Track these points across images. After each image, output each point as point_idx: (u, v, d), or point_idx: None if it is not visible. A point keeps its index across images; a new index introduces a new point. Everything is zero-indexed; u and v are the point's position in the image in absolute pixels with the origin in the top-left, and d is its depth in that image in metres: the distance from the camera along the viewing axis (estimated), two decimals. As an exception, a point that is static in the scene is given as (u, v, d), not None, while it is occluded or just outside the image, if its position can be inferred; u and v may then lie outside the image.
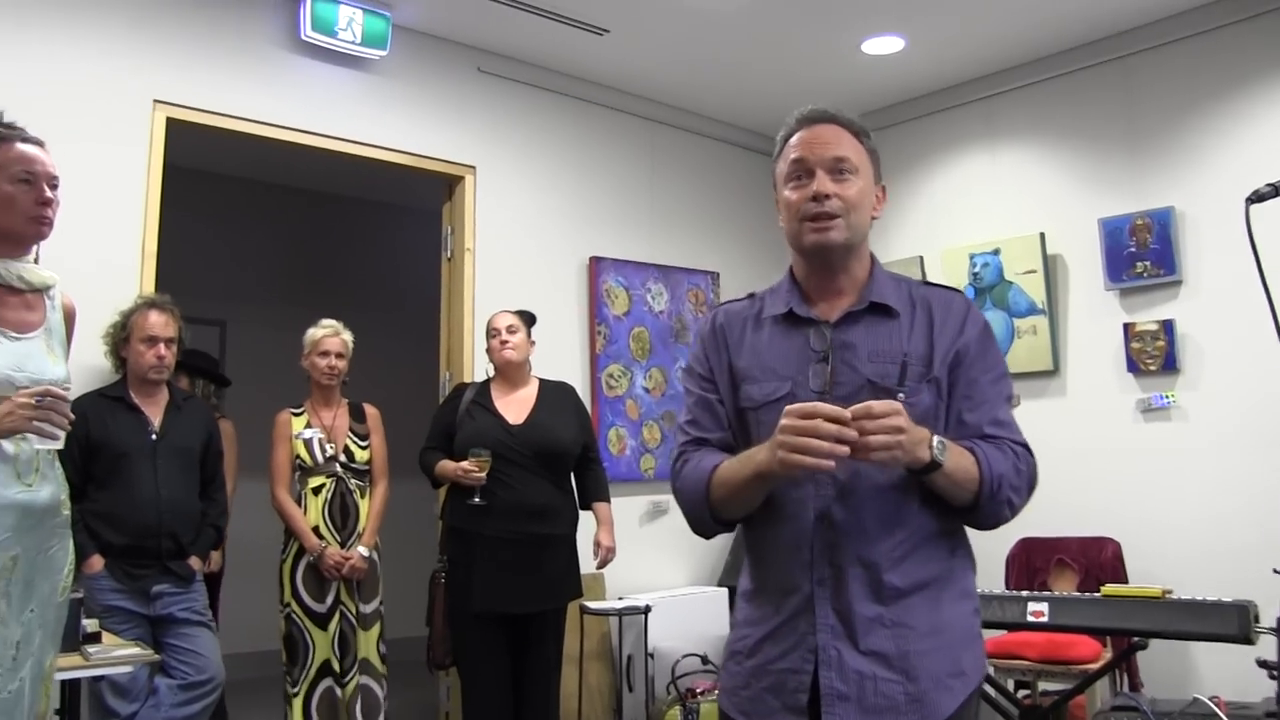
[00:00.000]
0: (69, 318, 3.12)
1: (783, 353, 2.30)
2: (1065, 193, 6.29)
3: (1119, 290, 5.94)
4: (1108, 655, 4.99)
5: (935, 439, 2.04)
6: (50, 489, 2.91)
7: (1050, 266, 6.24)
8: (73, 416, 2.81)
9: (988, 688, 4.59)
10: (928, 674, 2.09)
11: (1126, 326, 5.85)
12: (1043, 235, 6.25)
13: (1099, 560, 5.51)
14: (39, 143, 2.97)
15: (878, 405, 1.96)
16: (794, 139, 2.33)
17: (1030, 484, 2.21)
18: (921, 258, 6.84)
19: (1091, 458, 5.85)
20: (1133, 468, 5.80)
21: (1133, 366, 5.84)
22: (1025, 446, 2.22)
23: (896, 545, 2.14)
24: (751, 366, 2.34)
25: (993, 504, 2.13)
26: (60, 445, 2.81)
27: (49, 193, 2.94)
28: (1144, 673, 5.32)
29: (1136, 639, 4.10)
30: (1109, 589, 4.22)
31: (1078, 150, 6.28)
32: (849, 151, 2.27)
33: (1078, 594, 4.38)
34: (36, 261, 3.03)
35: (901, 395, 2.12)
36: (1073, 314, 6.21)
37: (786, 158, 2.33)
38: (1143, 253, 5.79)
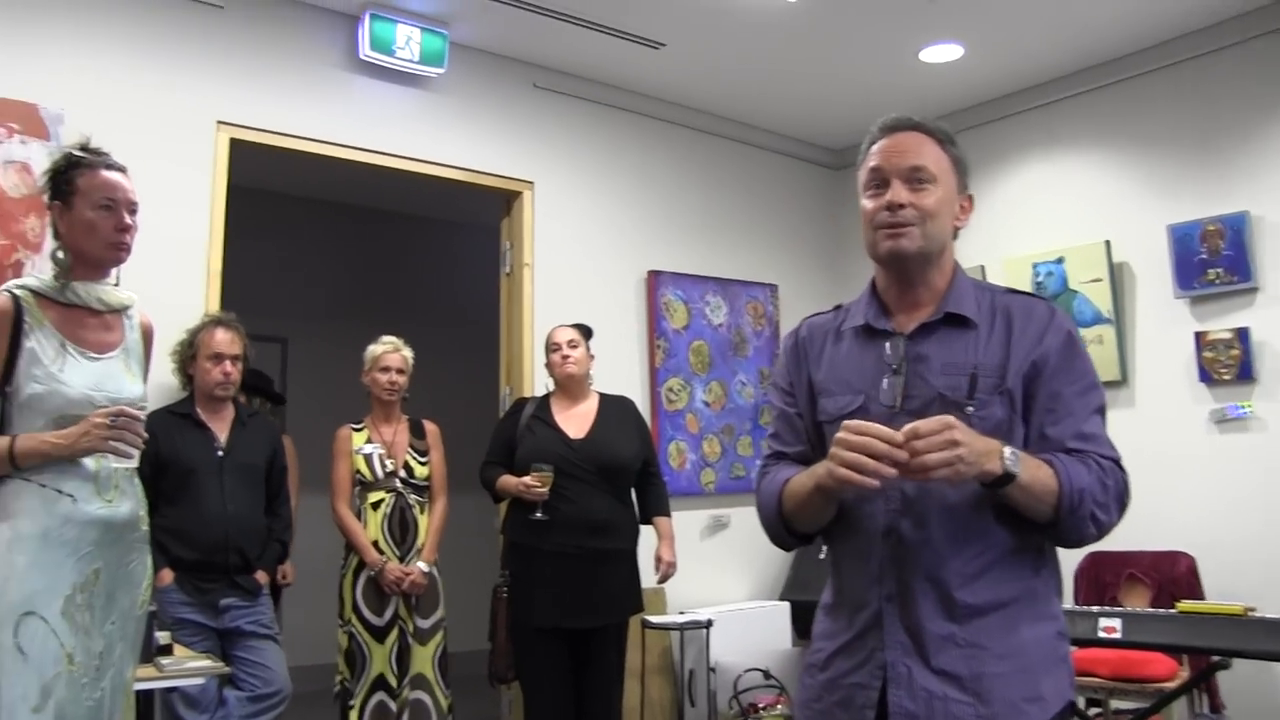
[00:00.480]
0: (147, 337, 3.21)
1: (858, 366, 2.28)
2: (1131, 199, 6.19)
3: (1189, 298, 5.82)
4: (1184, 674, 4.86)
5: (1007, 450, 1.98)
6: (129, 504, 2.99)
7: (1116, 274, 6.14)
8: (146, 435, 2.90)
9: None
10: (1001, 698, 2.03)
11: (1198, 335, 5.74)
12: (1108, 243, 6.15)
13: (1172, 575, 5.39)
14: (121, 169, 3.05)
15: (924, 424, 1.92)
16: (874, 147, 2.29)
17: (1120, 500, 2.11)
18: (983, 267, 6.76)
19: (1162, 469, 5.73)
20: (1207, 480, 5.68)
21: (1205, 376, 5.73)
22: (1115, 461, 2.12)
23: (968, 562, 2.09)
24: (828, 380, 2.32)
25: (1074, 519, 2.04)
26: (135, 463, 2.91)
27: (128, 219, 3.01)
28: (1225, 693, 5.14)
29: (1218, 658, 4.00)
30: (1186, 605, 4.13)
31: (1144, 156, 6.18)
32: (928, 160, 2.22)
33: (1152, 610, 4.29)
34: (116, 283, 3.10)
35: (970, 409, 2.09)
36: (1140, 323, 6.10)
37: (866, 166, 2.30)
38: (1214, 259, 5.68)
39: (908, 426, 1.92)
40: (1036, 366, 2.14)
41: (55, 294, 2.93)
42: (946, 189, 2.24)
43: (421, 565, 4.97)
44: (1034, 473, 2.01)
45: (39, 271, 4.20)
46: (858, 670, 2.16)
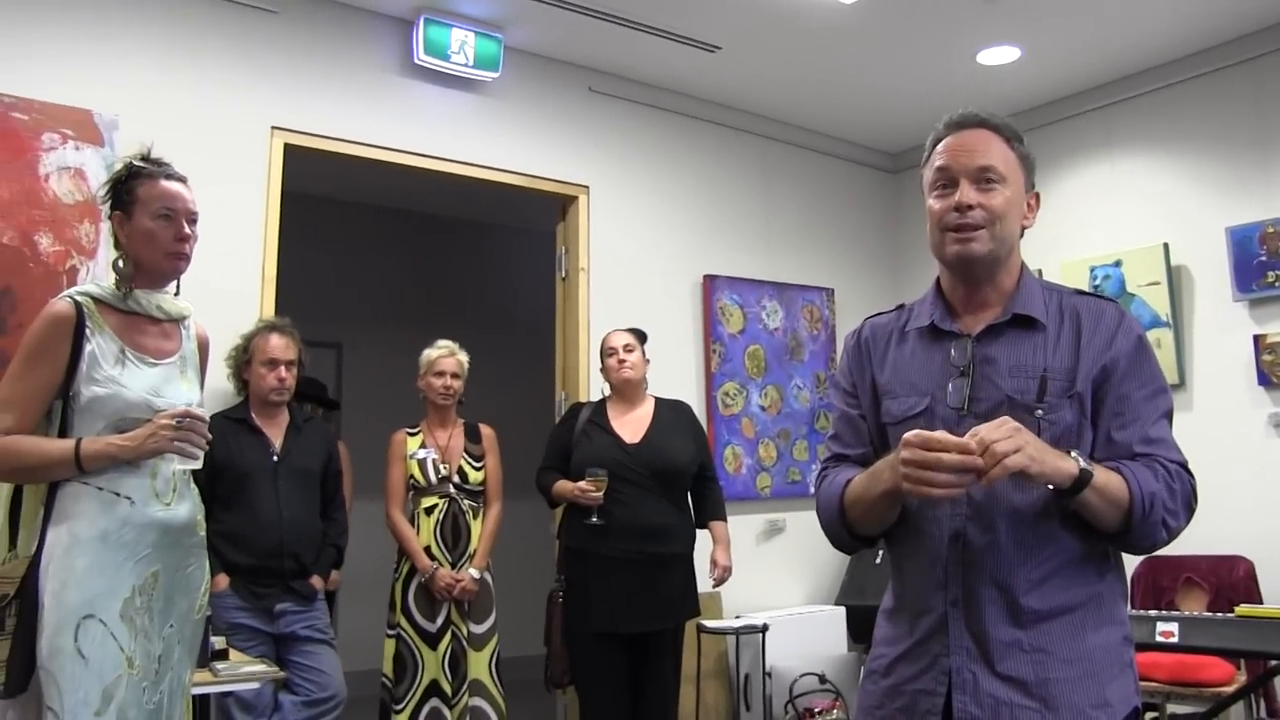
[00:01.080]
0: (203, 348, 3.24)
1: (923, 367, 2.25)
2: (1189, 202, 6.12)
3: (1248, 301, 5.75)
4: (1241, 679, 4.81)
5: (1076, 454, 1.96)
6: (187, 508, 3.03)
7: (1174, 277, 6.08)
8: (210, 437, 2.93)
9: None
10: (1068, 704, 2.00)
11: (1257, 338, 5.67)
12: (1166, 246, 6.09)
13: (1230, 580, 5.33)
14: (182, 179, 3.08)
15: (987, 429, 1.88)
16: (940, 145, 2.25)
17: (1188, 505, 2.07)
18: (1040, 270, 6.64)
19: (1220, 473, 5.61)
20: (1266, 484, 5.61)
21: (1264, 379, 5.65)
22: (1182, 465, 2.08)
23: (1035, 568, 2.06)
24: (892, 381, 2.29)
25: (1146, 525, 2.00)
26: (199, 465, 2.93)
27: (188, 229, 3.04)
28: (1282, 697, 5.11)
29: (1276, 663, 3.95)
30: (1244, 609, 4.07)
31: (1203, 158, 6.11)
32: (996, 159, 2.19)
33: (1210, 614, 4.24)
34: (177, 293, 3.13)
35: (1040, 412, 2.06)
36: (1199, 326, 6.03)
37: (932, 165, 2.26)
38: (1275, 261, 5.60)
39: (975, 434, 1.89)
40: (1106, 370, 2.11)
41: (116, 301, 2.96)
42: (1015, 188, 2.20)
43: (473, 572, 4.97)
44: (1106, 478, 1.98)
45: (95, 278, 4.28)
46: (921, 676, 2.13)
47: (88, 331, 2.87)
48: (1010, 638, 2.05)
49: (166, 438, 2.81)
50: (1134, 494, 1.98)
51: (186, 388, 3.06)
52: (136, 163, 3.04)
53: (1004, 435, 1.87)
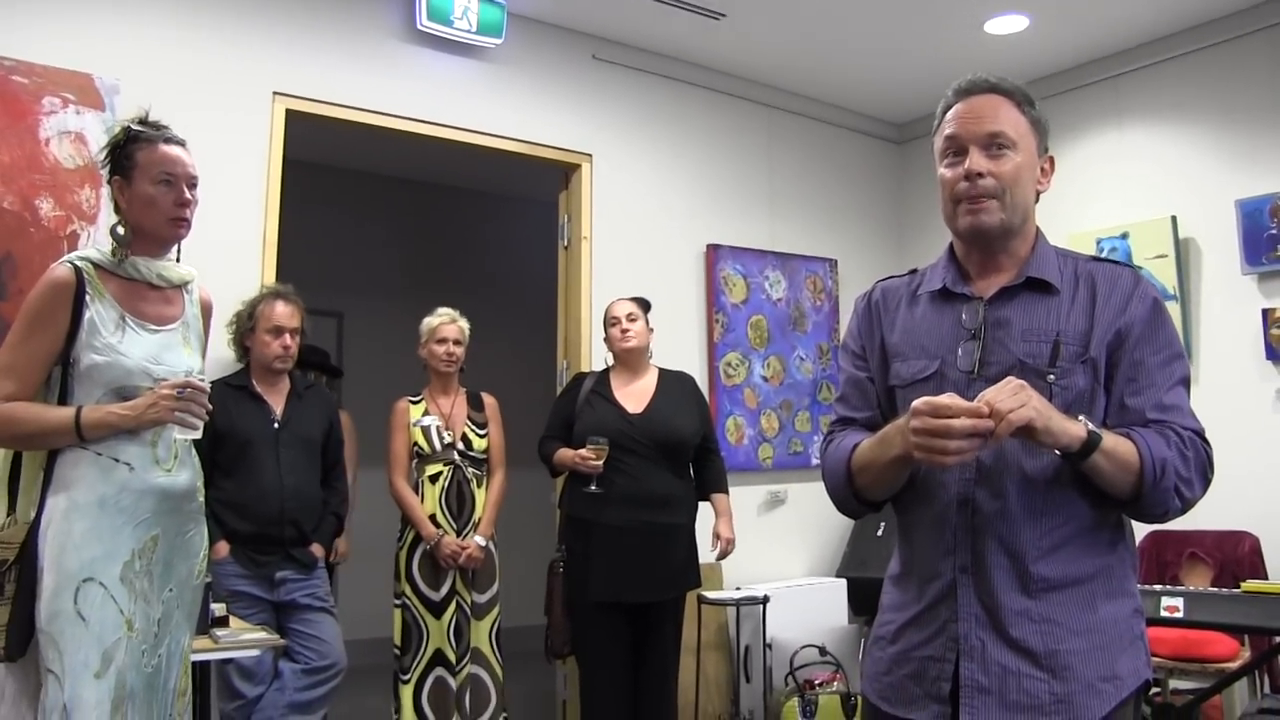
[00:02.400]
0: (206, 312, 3.24)
1: (934, 330, 2.23)
2: (1199, 174, 6.07)
3: (1257, 274, 5.71)
4: (1246, 655, 4.80)
5: (1082, 417, 1.94)
6: (187, 474, 3.03)
7: (1182, 250, 6.04)
8: (210, 407, 2.92)
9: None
10: (1077, 675, 1.99)
11: (1265, 312, 5.63)
12: (1174, 218, 6.05)
13: (1235, 555, 5.31)
14: (181, 143, 3.06)
15: (990, 393, 1.88)
16: (950, 113, 2.22)
17: (1203, 474, 2.04)
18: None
19: (1227, 448, 5.49)
20: (1273, 459, 5.57)
21: (1272, 353, 5.62)
22: (1196, 433, 2.05)
23: (1045, 535, 2.04)
24: (902, 343, 2.27)
25: (1157, 492, 1.97)
26: (199, 435, 2.93)
27: (188, 194, 3.02)
28: (1286, 673, 5.09)
29: (1281, 639, 3.94)
30: (1250, 585, 4.06)
31: (1213, 130, 6.05)
32: (1006, 125, 2.15)
33: (1216, 589, 4.22)
34: (178, 259, 3.11)
35: (1052, 377, 2.05)
36: (1206, 299, 5.99)
37: (942, 133, 2.23)
38: (1284, 235, 5.58)
39: (983, 398, 1.88)
40: (1120, 335, 2.08)
41: (114, 268, 2.95)
42: (1027, 154, 2.17)
43: (479, 539, 4.96)
44: (1115, 444, 1.96)
45: (95, 243, 4.25)
46: (930, 643, 2.13)
47: (88, 297, 2.86)
48: (1019, 606, 2.03)
49: (166, 407, 2.80)
50: (1145, 460, 1.96)
51: (188, 354, 3.05)
52: (135, 126, 3.01)
53: (1009, 393, 1.86)
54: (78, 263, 2.90)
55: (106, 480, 2.80)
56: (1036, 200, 2.23)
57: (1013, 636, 2.02)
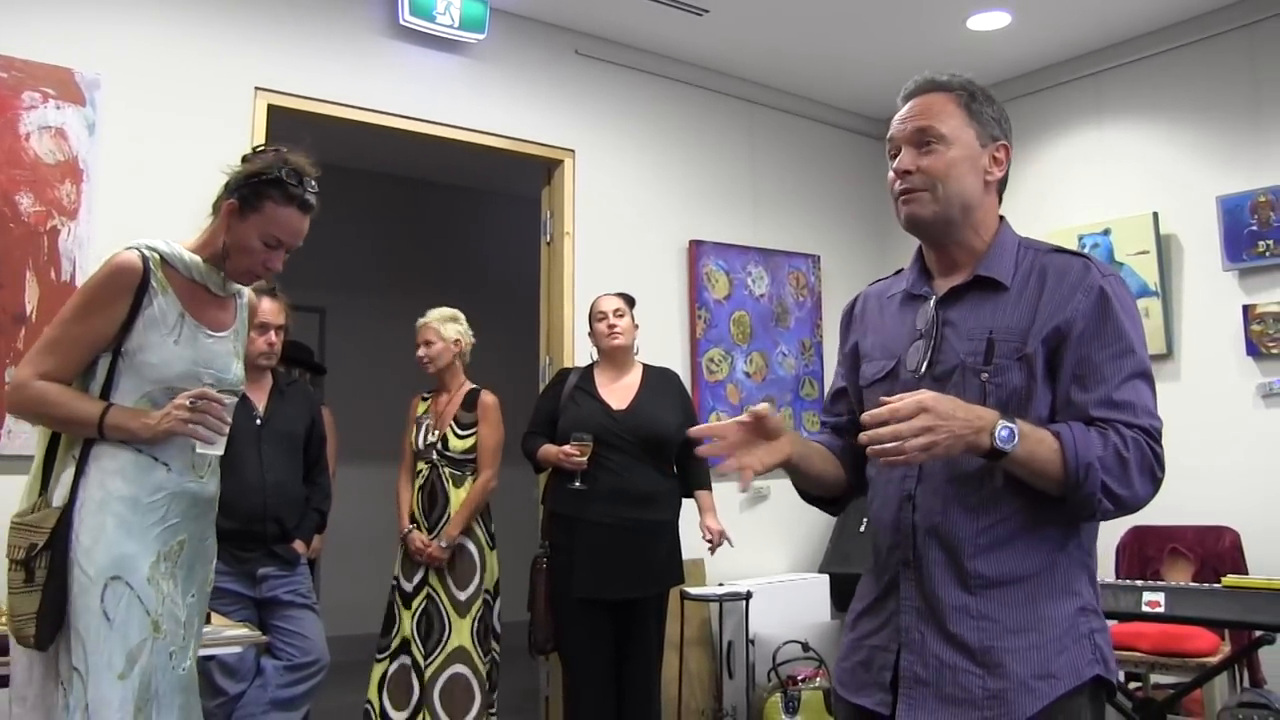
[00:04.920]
0: (252, 314, 3.25)
1: (896, 331, 2.28)
2: (1180, 171, 6.09)
3: (1238, 271, 5.73)
4: (1226, 650, 4.82)
5: (1001, 425, 1.93)
6: (215, 483, 3.01)
7: (1164, 247, 6.05)
8: (229, 420, 2.88)
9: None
10: (1010, 672, 2.00)
11: (1246, 308, 5.66)
12: (1156, 215, 6.07)
13: (1216, 550, 5.32)
14: (311, 209, 3.05)
15: (902, 405, 1.90)
16: (895, 116, 2.27)
17: (1147, 473, 2.00)
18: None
19: (1208, 444, 5.67)
20: (1253, 454, 5.60)
21: (1253, 350, 5.64)
22: (1145, 430, 2.02)
23: (981, 532, 2.06)
24: (871, 345, 2.35)
25: (1079, 494, 1.96)
26: (219, 451, 2.91)
27: (279, 264, 3.01)
28: (1266, 668, 5.09)
29: (1262, 633, 3.95)
30: (1231, 580, 4.08)
31: (1194, 126, 6.08)
32: (936, 120, 2.18)
33: (1197, 585, 4.24)
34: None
35: (985, 375, 2.07)
36: (1188, 296, 6.01)
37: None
38: (1265, 231, 5.58)
39: (887, 405, 1.91)
40: (1061, 330, 2.06)
41: (181, 267, 2.90)
42: (963, 145, 2.18)
43: (441, 541, 4.95)
44: (1033, 447, 1.95)
45: (76, 239, 4.25)
46: (878, 632, 2.19)
47: (152, 289, 2.82)
48: (958, 602, 2.06)
49: (178, 418, 2.74)
50: (1068, 462, 1.96)
51: (237, 364, 3.04)
52: (284, 174, 2.96)
53: (912, 429, 1.88)
54: (145, 251, 2.85)
55: (144, 478, 2.78)
56: (1000, 190, 2.26)
57: (950, 631, 2.06)
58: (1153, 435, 2.03)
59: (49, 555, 2.67)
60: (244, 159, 3.02)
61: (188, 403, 2.75)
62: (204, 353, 2.90)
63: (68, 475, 2.75)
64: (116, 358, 2.80)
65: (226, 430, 2.88)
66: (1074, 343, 2.05)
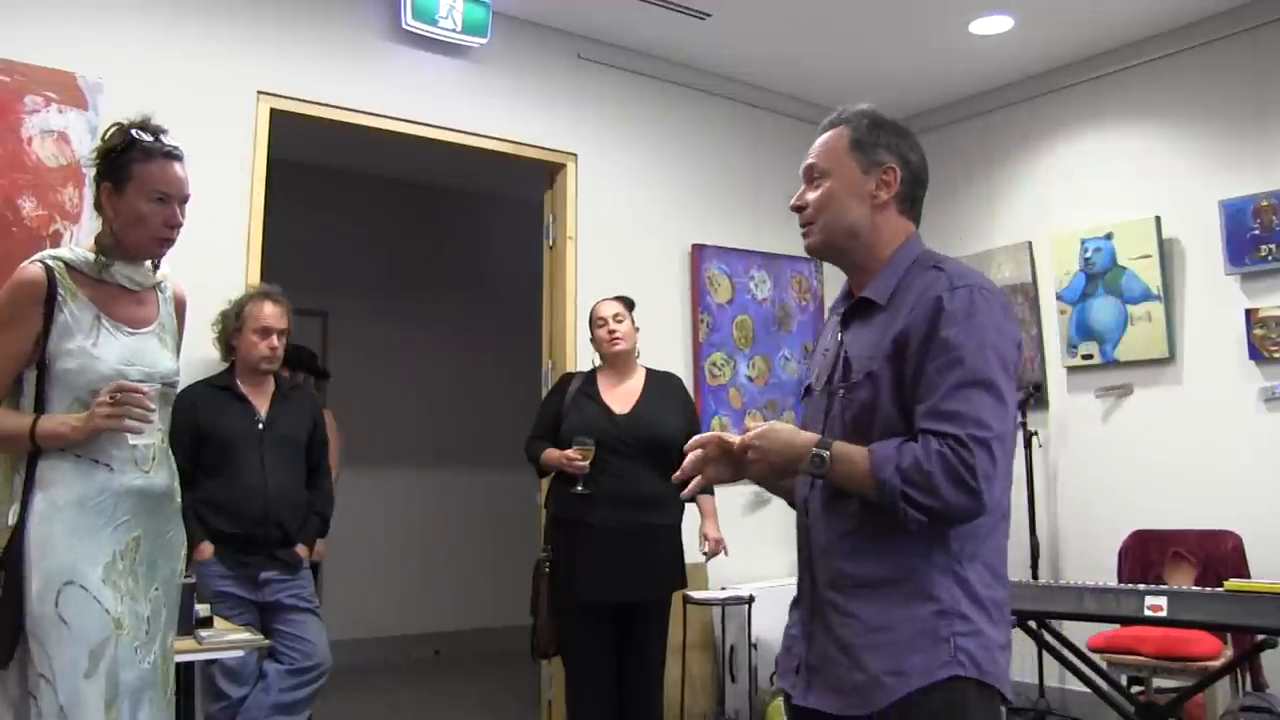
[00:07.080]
0: (180, 308, 3.18)
1: (825, 345, 2.45)
2: (1183, 175, 6.08)
3: (1240, 275, 5.73)
4: (1228, 653, 4.82)
5: (814, 453, 2.11)
6: (165, 475, 3.01)
7: (1166, 251, 6.05)
8: (153, 408, 2.85)
9: (1100, 681, 4.47)
10: (867, 667, 2.13)
11: (1248, 312, 5.65)
12: (1158, 219, 6.06)
13: (1218, 554, 5.32)
14: (180, 157, 2.99)
15: (701, 438, 2.31)
16: None
17: (951, 481, 2.00)
18: (1030, 243, 6.70)
19: (1210, 448, 5.67)
20: (1256, 459, 5.59)
21: (1255, 354, 5.63)
22: (956, 439, 2.02)
23: (844, 536, 2.21)
24: (815, 358, 2.51)
25: (886, 506, 2.07)
26: (149, 439, 2.91)
27: (180, 216, 2.98)
28: (1268, 672, 5.07)
29: (1264, 637, 3.94)
30: (1233, 584, 4.06)
31: (1197, 130, 6.07)
32: (816, 156, 2.38)
33: (1199, 589, 4.23)
34: (154, 269, 3.06)
35: (841, 393, 2.23)
36: (1190, 300, 6.01)
37: None
38: (1268, 235, 5.58)
39: (694, 439, 2.33)
40: (898, 344, 2.15)
41: (90, 270, 2.90)
42: (841, 175, 2.33)
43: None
44: (847, 469, 2.11)
45: (78, 242, 4.24)
46: (796, 624, 2.36)
47: (60, 299, 2.82)
48: (835, 600, 2.21)
49: (103, 414, 2.73)
50: (874, 477, 2.07)
51: (165, 356, 3.02)
52: (135, 133, 2.92)
53: (692, 464, 2.31)
54: (49, 262, 2.85)
55: (86, 482, 2.78)
56: (905, 209, 2.35)
57: (829, 625, 2.21)
58: (965, 444, 2.02)
59: (3, 574, 2.69)
60: (95, 148, 3.00)
61: (108, 397, 2.74)
62: (127, 351, 2.90)
63: (17, 492, 2.77)
64: (41, 371, 2.81)
65: (153, 417, 2.86)
66: (911, 355, 2.13)
